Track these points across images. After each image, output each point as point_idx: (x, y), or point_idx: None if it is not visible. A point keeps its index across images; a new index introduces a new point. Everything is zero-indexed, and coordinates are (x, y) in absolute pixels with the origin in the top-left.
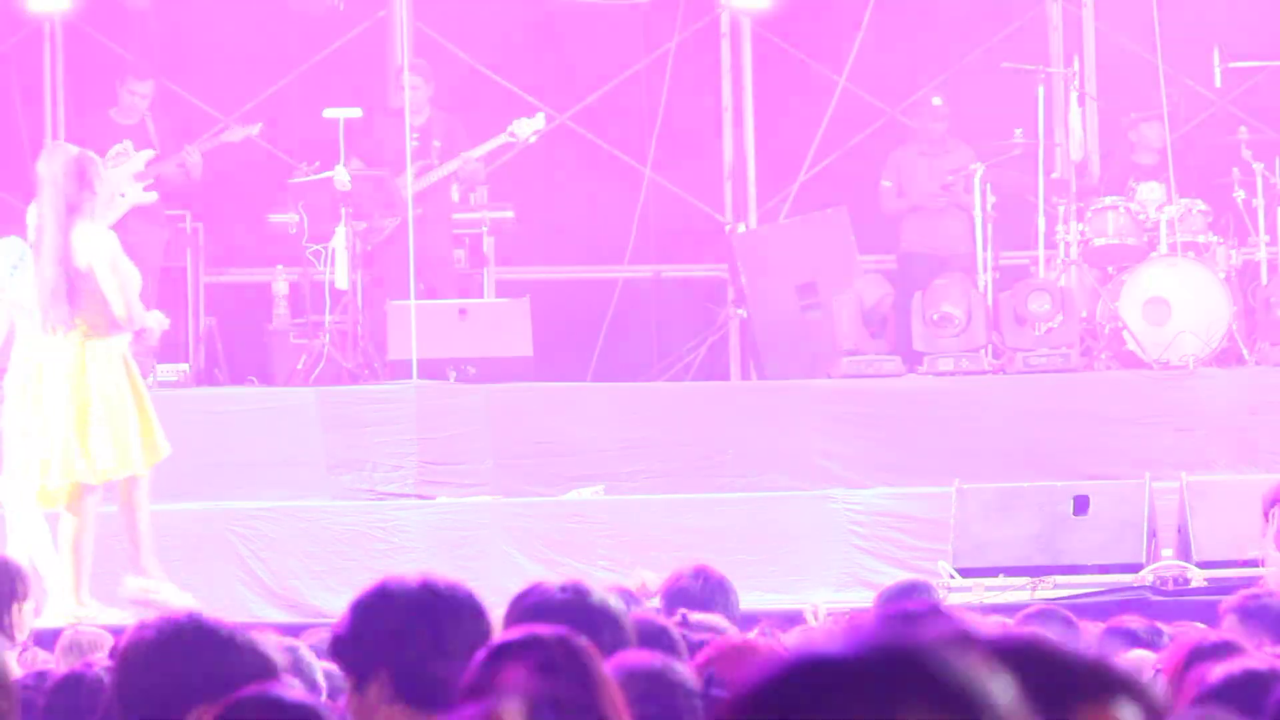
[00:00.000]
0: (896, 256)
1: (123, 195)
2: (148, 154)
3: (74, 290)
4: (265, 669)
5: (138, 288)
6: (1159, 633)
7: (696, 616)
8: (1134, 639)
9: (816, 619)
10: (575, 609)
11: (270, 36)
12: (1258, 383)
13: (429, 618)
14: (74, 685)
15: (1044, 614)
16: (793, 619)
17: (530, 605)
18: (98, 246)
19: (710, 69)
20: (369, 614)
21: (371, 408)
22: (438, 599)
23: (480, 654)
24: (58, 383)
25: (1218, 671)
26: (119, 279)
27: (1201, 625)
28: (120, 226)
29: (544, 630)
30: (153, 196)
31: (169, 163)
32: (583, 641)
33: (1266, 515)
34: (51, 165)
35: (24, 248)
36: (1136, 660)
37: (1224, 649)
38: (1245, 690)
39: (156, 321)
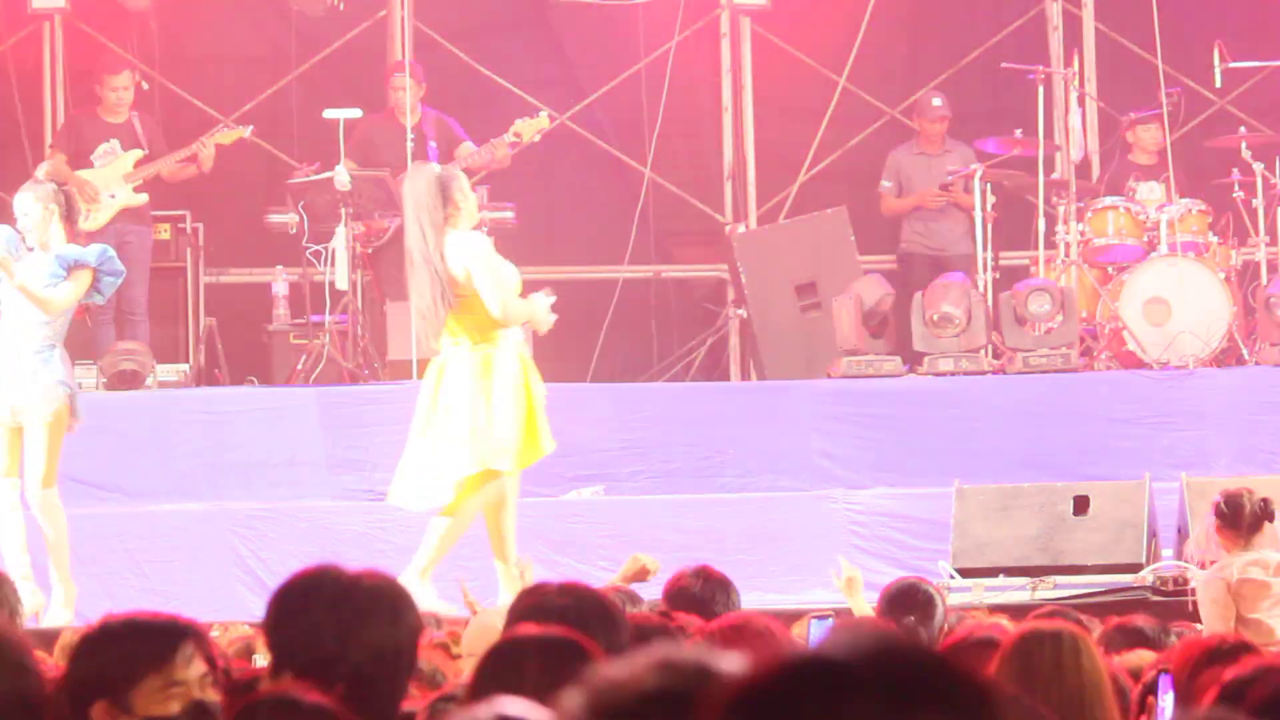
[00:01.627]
0: (896, 256)
1: (113, 197)
2: (136, 154)
3: (450, 299)
4: (151, 657)
5: (515, 287)
6: (1167, 631)
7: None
8: (1142, 637)
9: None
10: (574, 610)
11: (270, 36)
12: (1258, 383)
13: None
14: None
15: (1056, 616)
16: (793, 618)
17: (530, 606)
18: (470, 252)
19: (710, 69)
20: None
21: (371, 408)
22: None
23: (489, 652)
24: (460, 383)
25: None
26: (493, 280)
27: (1199, 626)
28: (109, 228)
29: (550, 631)
30: (143, 198)
31: (167, 161)
32: (588, 644)
33: (1221, 522)
34: (415, 184)
35: (13, 235)
36: (1137, 659)
37: (1239, 650)
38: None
39: (543, 312)
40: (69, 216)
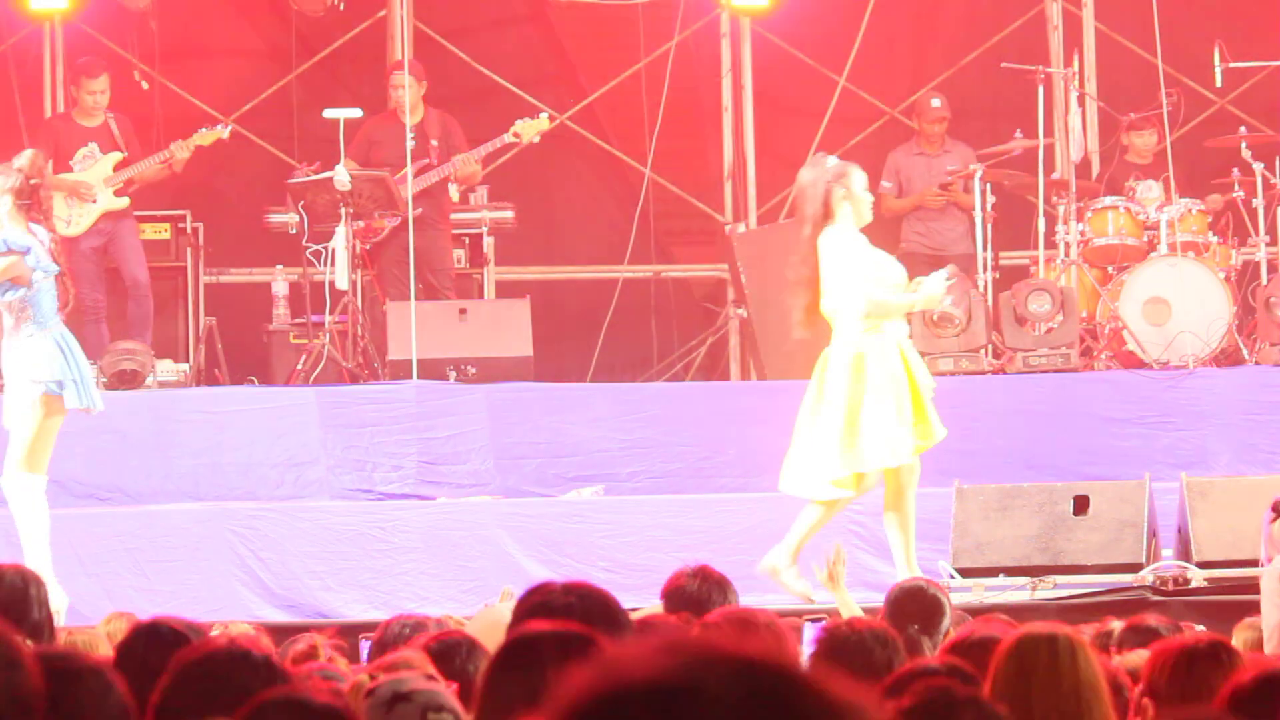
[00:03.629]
0: (896, 256)
1: (94, 201)
2: (115, 157)
3: (816, 289)
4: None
5: (890, 282)
6: (1180, 631)
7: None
8: (1156, 636)
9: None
10: (579, 608)
11: (270, 36)
12: (1258, 383)
13: None
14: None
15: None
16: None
17: (535, 604)
18: (831, 250)
19: (710, 69)
20: None
21: (371, 408)
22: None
23: (503, 648)
24: (836, 380)
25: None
26: (847, 279)
27: (1201, 626)
28: (92, 231)
29: (564, 627)
30: (124, 201)
31: (146, 163)
32: (603, 641)
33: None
34: (808, 175)
35: None
36: (1137, 659)
37: (1218, 650)
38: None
39: (930, 296)
40: (28, 210)
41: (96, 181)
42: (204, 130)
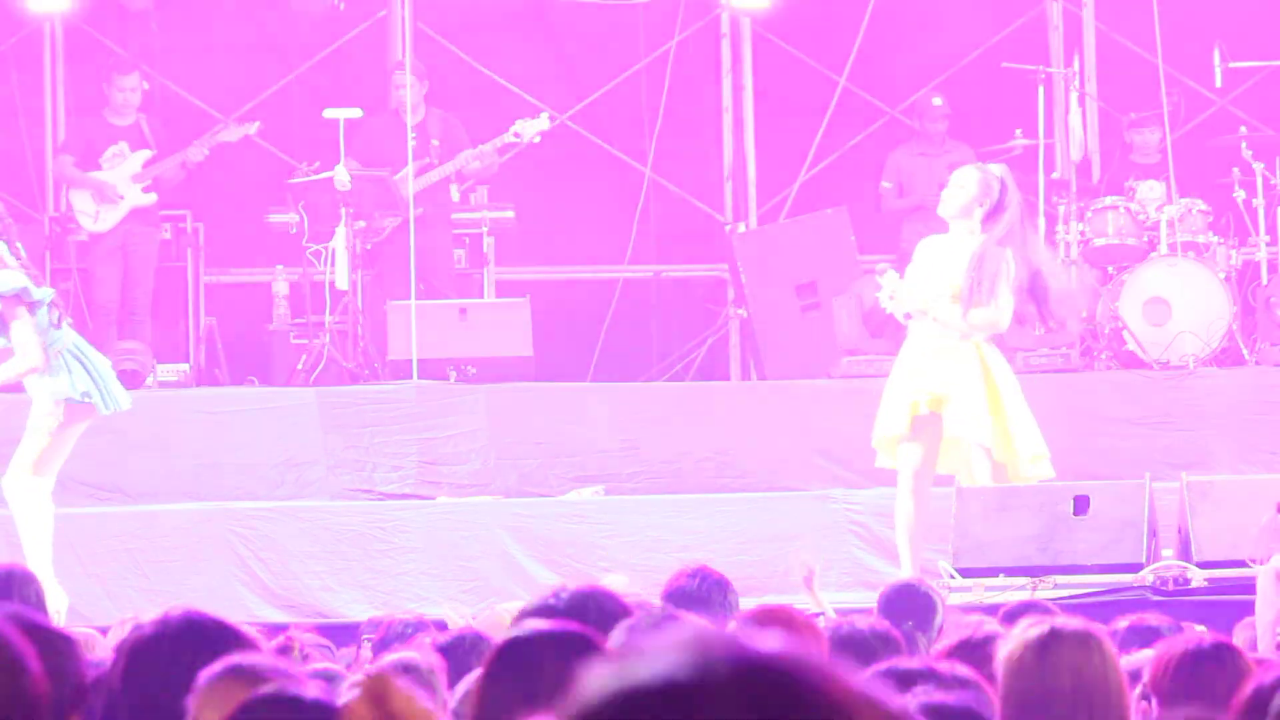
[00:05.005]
0: (896, 256)
1: (121, 198)
2: (144, 154)
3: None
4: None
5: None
6: (1181, 630)
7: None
8: (1158, 636)
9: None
10: (582, 609)
11: (270, 36)
12: (1258, 383)
13: None
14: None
15: (1031, 609)
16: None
17: (538, 605)
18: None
19: (710, 69)
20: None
21: (371, 408)
22: None
23: (501, 647)
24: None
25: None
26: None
27: (1201, 627)
28: (117, 229)
29: (562, 626)
30: (151, 198)
31: (170, 161)
32: (601, 640)
33: None
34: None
35: None
36: (1140, 661)
37: (1222, 651)
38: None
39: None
40: (9, 246)
41: (124, 179)
42: (231, 126)
